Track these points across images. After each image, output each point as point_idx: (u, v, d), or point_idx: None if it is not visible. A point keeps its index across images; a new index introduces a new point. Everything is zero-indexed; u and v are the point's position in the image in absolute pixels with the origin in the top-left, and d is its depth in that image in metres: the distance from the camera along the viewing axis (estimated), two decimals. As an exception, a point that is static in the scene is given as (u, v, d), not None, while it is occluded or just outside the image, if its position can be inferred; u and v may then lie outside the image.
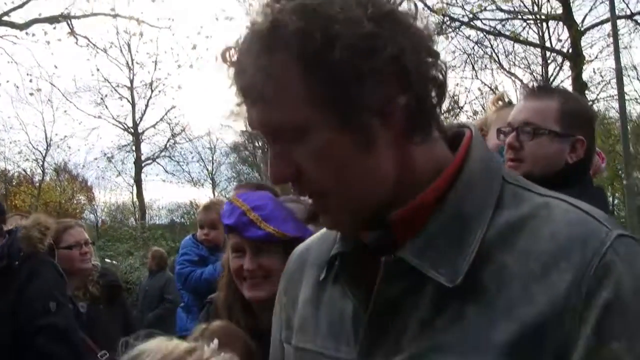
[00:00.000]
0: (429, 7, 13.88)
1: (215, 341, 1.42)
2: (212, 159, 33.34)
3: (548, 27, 19.50)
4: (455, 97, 19.01)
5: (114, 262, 13.01)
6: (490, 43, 18.85)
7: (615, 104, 18.59)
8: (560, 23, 17.20)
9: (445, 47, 15.93)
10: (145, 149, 29.43)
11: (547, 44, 19.53)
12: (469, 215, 1.06)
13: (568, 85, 16.04)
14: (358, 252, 1.16)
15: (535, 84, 4.22)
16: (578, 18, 16.84)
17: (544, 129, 2.23)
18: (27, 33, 18.63)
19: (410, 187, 1.08)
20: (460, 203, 1.07)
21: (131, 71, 28.07)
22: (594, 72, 20.05)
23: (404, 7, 1.06)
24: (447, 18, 15.53)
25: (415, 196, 1.07)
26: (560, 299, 0.98)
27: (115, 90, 27.98)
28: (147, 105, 28.53)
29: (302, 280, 1.30)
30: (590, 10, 19.02)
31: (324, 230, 1.33)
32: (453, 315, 1.03)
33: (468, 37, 17.88)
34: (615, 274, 0.98)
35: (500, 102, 2.97)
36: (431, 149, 1.10)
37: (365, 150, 1.04)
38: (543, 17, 18.16)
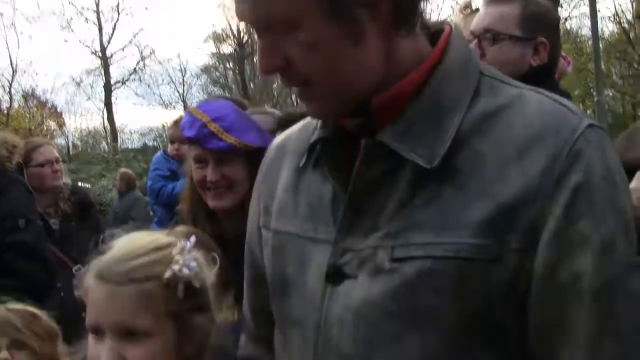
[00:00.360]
0: None
1: (193, 238, 1.43)
2: (183, 81, 32.89)
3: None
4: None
5: (87, 185, 12.90)
6: (463, -42, 18.58)
7: (588, 22, 18.62)
8: (534, -62, 16.93)
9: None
10: (115, 73, 29.11)
11: (521, -40, 19.26)
12: (446, 104, 1.10)
13: (541, 2, 15.89)
14: (339, 138, 1.19)
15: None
16: None
17: (505, 34, 2.23)
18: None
19: (393, 77, 1.11)
20: (439, 92, 1.11)
21: (96, -8, 27.37)
22: (567, -11, 19.93)
23: None
24: None
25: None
26: (533, 182, 1.03)
27: (81, 13, 27.37)
28: (114, 28, 28.06)
29: (281, 168, 1.33)
30: None
31: (302, 122, 1.36)
32: (430, 195, 1.08)
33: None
34: (585, 160, 1.03)
35: (467, 10, 2.95)
36: (414, 42, 1.13)
37: (354, 42, 1.07)
38: None
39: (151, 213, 6.37)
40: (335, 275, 1.14)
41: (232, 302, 1.68)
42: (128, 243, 1.38)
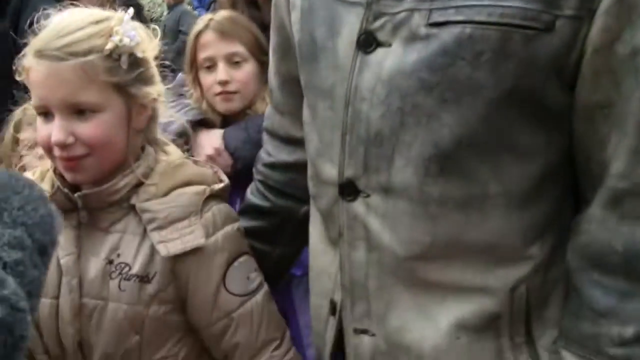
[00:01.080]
0: None
1: (131, 10, 1.38)
2: None
3: None
4: None
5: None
6: None
7: None
8: None
9: None
10: None
11: None
12: None
13: None
14: None
15: None
16: None
17: None
18: None
19: None
20: None
21: None
22: None
23: None
24: None
25: None
26: None
27: None
28: None
29: None
30: None
31: None
32: None
33: None
34: None
35: None
36: None
37: None
38: None
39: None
40: (367, 42, 1.02)
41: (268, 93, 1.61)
42: (64, 18, 1.33)
